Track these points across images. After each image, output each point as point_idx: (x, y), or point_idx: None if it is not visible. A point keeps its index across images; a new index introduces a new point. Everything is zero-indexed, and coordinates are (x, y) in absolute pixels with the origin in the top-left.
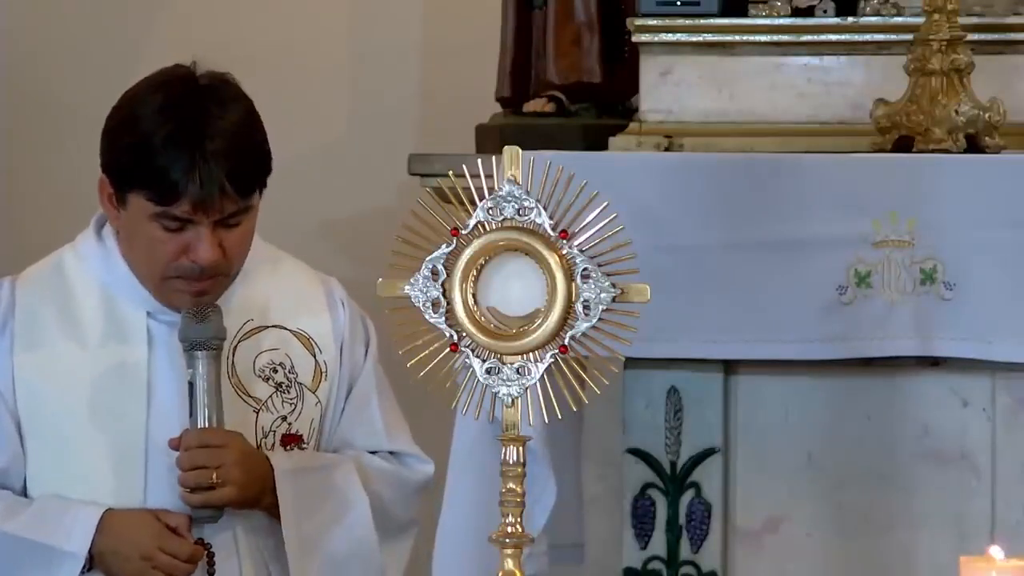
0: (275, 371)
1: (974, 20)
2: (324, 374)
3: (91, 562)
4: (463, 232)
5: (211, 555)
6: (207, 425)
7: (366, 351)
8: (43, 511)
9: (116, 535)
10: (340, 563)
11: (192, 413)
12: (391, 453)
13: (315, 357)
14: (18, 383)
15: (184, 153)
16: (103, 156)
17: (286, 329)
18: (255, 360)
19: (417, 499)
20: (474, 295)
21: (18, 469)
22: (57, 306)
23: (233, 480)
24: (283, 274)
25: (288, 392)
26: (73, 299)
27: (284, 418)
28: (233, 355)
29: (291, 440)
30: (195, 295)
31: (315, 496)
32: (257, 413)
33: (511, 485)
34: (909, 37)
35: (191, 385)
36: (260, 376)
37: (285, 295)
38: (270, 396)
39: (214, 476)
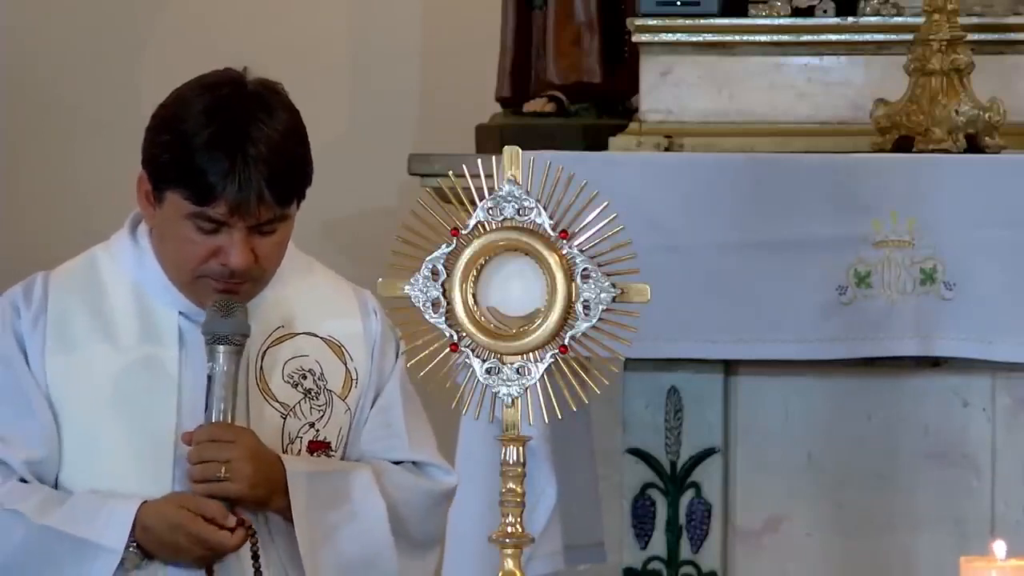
0: (304, 377)
1: (974, 20)
2: (355, 382)
3: (144, 554)
4: (463, 232)
5: (252, 532)
6: (220, 420)
7: (395, 361)
8: (81, 505)
9: (151, 521)
10: (354, 567)
11: (208, 407)
12: (414, 464)
13: (346, 365)
14: (50, 381)
15: (225, 155)
16: (144, 152)
17: (317, 336)
18: (284, 366)
19: (438, 512)
20: (474, 295)
21: (53, 464)
22: (89, 304)
23: (240, 476)
24: (316, 282)
25: (317, 399)
26: (105, 297)
27: (312, 424)
28: (262, 360)
29: (318, 447)
30: (223, 293)
31: (329, 499)
32: (284, 418)
33: (511, 485)
34: (909, 37)
35: (209, 379)
36: (288, 382)
37: (317, 302)
38: (298, 402)
39: (222, 470)
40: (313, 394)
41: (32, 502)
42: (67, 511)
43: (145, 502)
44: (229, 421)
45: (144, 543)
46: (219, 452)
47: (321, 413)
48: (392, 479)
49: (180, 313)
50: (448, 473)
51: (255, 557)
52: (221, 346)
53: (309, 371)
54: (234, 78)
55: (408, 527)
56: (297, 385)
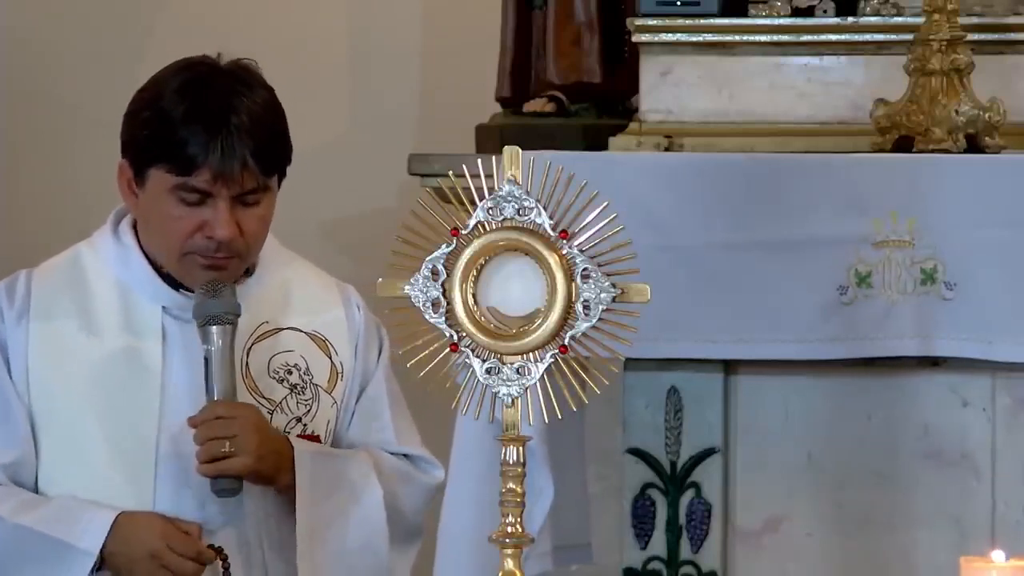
0: (289, 373)
1: (974, 20)
2: (340, 375)
3: (102, 563)
4: (463, 232)
5: (224, 559)
6: (222, 398)
7: (379, 356)
8: (59, 508)
9: (126, 536)
10: (349, 552)
11: (208, 389)
12: (403, 456)
13: (331, 358)
14: (32, 378)
15: (207, 125)
16: (124, 136)
17: (301, 331)
18: (269, 362)
19: (426, 502)
20: (474, 295)
21: (30, 466)
22: (73, 301)
23: (248, 450)
24: (299, 277)
25: (303, 393)
26: (89, 294)
27: (299, 419)
28: (247, 356)
29: (307, 440)
30: (211, 269)
31: (331, 481)
32: (271, 414)
33: (511, 485)
34: (909, 37)
35: (206, 360)
36: (274, 378)
37: (301, 298)
38: (284, 398)
39: (227, 446)
40: (299, 389)
41: (9, 504)
42: (45, 513)
43: (123, 512)
44: (230, 399)
45: (109, 550)
46: (223, 429)
47: (308, 407)
48: (387, 467)
49: (164, 309)
50: (436, 467)
51: None
52: (214, 326)
53: (295, 366)
54: (208, 59)
55: (400, 514)
56: (283, 381)
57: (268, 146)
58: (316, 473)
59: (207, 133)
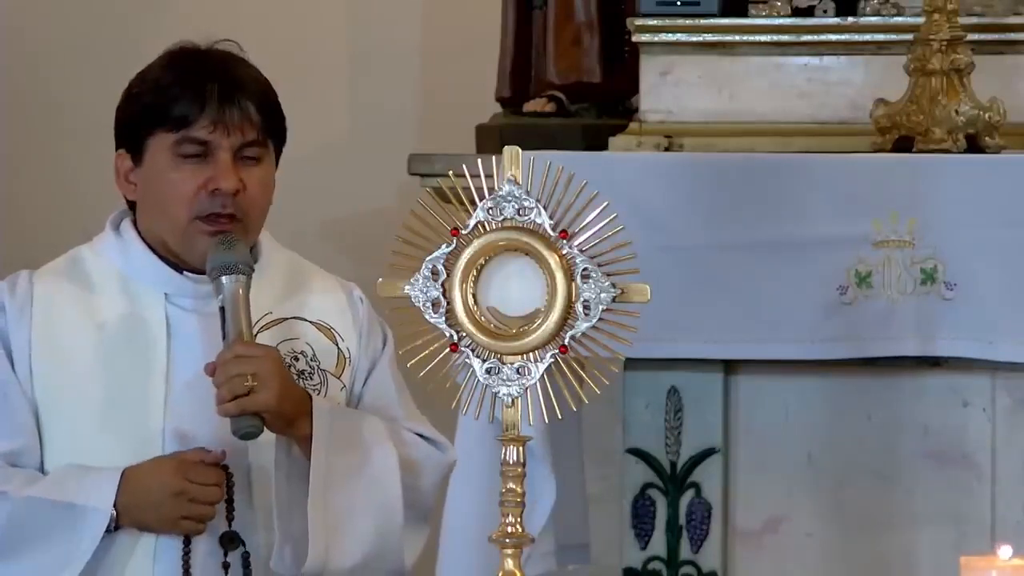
0: (296, 360)
1: (974, 20)
2: (348, 360)
3: (117, 521)
4: (463, 232)
5: (229, 475)
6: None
7: (383, 347)
8: (64, 475)
9: (138, 487)
10: (361, 510)
11: (225, 336)
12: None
13: (337, 345)
14: (36, 372)
15: (200, 84)
16: (117, 126)
17: (306, 320)
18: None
19: (441, 479)
20: (474, 295)
21: (32, 456)
22: (75, 295)
23: (269, 386)
24: (300, 271)
25: (310, 379)
26: (91, 288)
27: None
28: None
29: None
30: (216, 236)
31: (348, 436)
32: None
33: (511, 485)
34: (909, 37)
35: (222, 310)
36: None
37: (303, 290)
38: None
39: (249, 379)
40: (306, 375)
41: (14, 483)
42: (51, 481)
43: (128, 467)
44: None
45: (124, 505)
46: (244, 366)
47: (316, 392)
48: (405, 437)
49: (167, 298)
50: (448, 447)
51: (230, 501)
52: (229, 276)
53: (301, 353)
54: (193, 43)
55: (417, 489)
56: (289, 367)
57: (264, 100)
58: (334, 425)
59: (202, 88)
